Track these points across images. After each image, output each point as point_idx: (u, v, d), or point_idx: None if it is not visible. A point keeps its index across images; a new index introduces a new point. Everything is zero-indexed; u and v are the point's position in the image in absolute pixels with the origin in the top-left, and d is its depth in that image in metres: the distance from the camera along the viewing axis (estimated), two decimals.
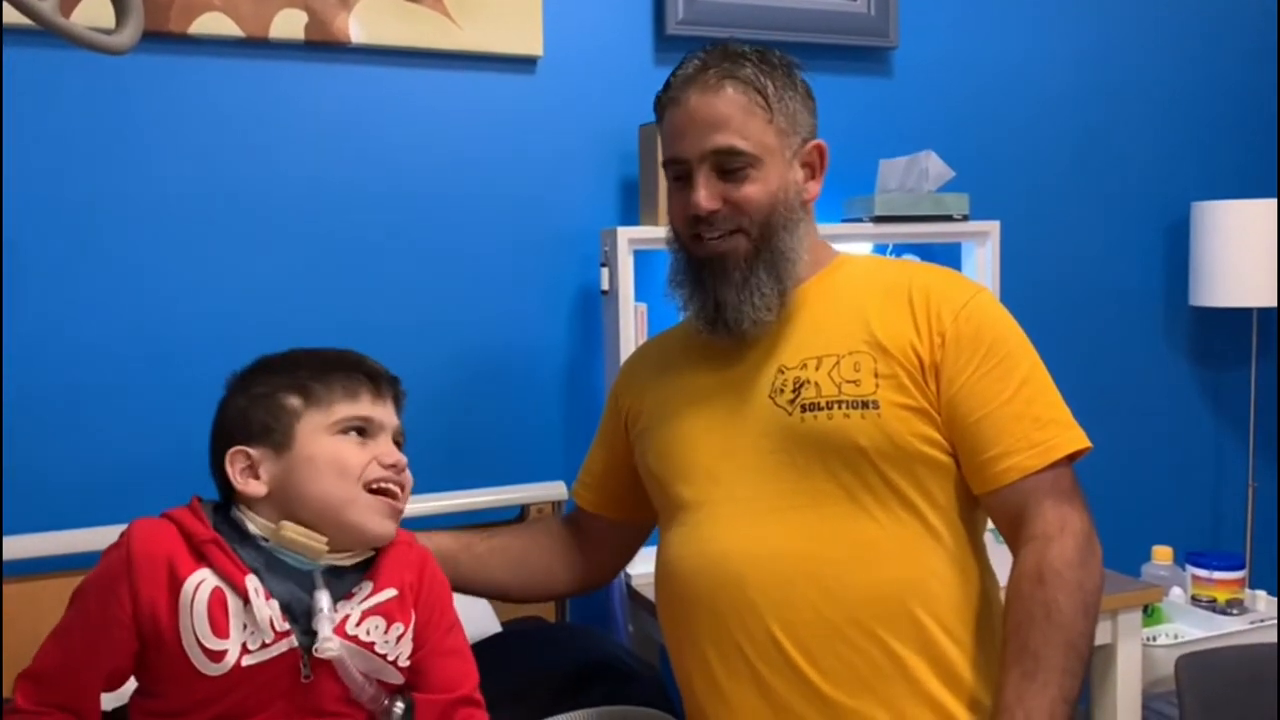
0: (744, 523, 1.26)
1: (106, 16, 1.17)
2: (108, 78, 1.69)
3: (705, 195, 1.27)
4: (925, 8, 2.27)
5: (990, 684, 1.22)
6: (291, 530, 1.10)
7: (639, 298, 1.92)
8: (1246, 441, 2.58)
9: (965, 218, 2.13)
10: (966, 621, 1.24)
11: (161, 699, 1.10)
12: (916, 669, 1.21)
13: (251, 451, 1.13)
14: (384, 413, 1.17)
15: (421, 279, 1.91)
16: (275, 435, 1.13)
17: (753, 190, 1.27)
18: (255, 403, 1.14)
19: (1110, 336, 2.51)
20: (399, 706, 1.14)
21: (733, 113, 1.26)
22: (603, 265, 1.92)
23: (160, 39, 1.70)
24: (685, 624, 1.30)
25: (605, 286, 1.92)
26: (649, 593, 1.73)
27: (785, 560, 1.23)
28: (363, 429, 1.15)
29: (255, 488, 1.12)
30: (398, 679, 1.15)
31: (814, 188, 1.34)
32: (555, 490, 1.92)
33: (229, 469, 1.13)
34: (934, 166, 2.08)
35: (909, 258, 2.09)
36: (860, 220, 2.08)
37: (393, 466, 1.15)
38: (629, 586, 1.88)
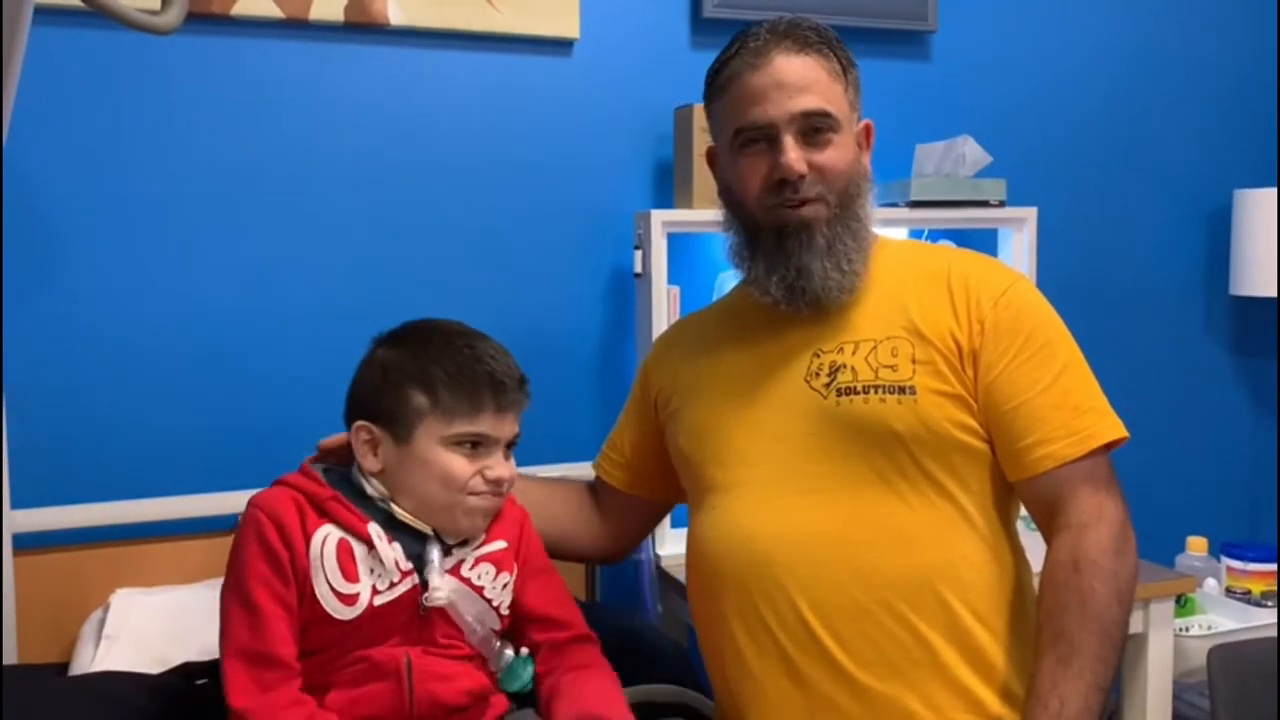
0: (774, 504, 1.26)
1: None
2: (152, 57, 1.72)
3: (796, 157, 1.24)
4: None
5: (1023, 672, 1.21)
6: (400, 514, 1.22)
7: (672, 281, 1.92)
8: None
9: (1002, 203, 2.11)
10: (1000, 609, 1.24)
11: (301, 641, 1.18)
12: (945, 654, 1.21)
13: (375, 430, 1.22)
14: (501, 427, 1.23)
15: (455, 260, 1.92)
16: (398, 426, 1.21)
17: (836, 155, 1.26)
18: (388, 387, 1.22)
19: (1148, 324, 2.48)
20: (508, 652, 1.24)
21: (819, 76, 1.26)
22: (636, 248, 1.93)
23: (203, 20, 1.72)
24: (715, 605, 1.30)
25: (638, 269, 1.92)
26: (678, 574, 1.74)
27: (815, 541, 1.23)
28: (476, 443, 1.22)
29: (372, 463, 1.22)
30: (498, 624, 1.25)
31: (867, 164, 1.33)
32: (586, 471, 1.92)
33: (353, 438, 1.23)
34: (971, 151, 2.06)
35: (945, 243, 2.08)
36: (896, 205, 2.07)
37: (494, 482, 1.22)
38: (658, 567, 1.89)
